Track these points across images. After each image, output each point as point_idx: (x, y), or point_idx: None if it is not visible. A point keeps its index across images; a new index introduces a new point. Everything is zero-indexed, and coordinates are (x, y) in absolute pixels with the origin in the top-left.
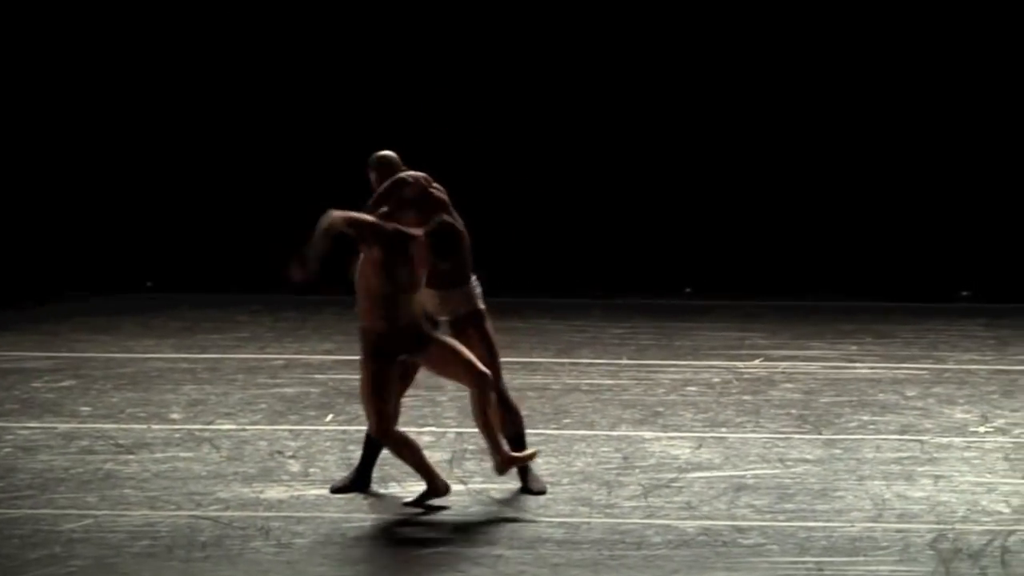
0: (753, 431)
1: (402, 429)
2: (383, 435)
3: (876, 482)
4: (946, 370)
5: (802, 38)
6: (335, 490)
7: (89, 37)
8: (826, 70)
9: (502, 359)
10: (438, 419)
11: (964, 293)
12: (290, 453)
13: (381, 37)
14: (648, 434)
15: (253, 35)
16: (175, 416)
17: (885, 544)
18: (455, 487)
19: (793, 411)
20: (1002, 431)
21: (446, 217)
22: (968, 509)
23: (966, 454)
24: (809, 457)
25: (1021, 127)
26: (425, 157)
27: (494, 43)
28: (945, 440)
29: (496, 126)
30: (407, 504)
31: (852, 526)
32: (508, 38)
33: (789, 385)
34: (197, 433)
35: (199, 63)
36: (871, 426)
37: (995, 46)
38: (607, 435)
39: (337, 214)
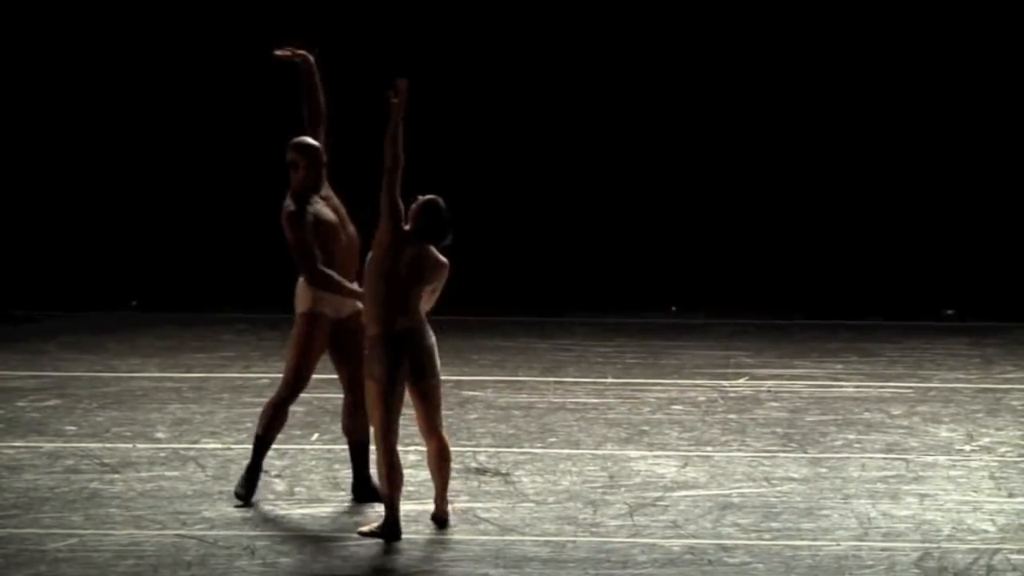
0: (739, 450)
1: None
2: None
3: (861, 501)
4: (931, 389)
5: (785, 61)
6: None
7: (72, 59)
8: (811, 90)
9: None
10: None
11: (949, 312)
12: (276, 472)
13: (364, 54)
14: (634, 453)
15: (236, 57)
16: (160, 435)
17: (871, 563)
18: None
19: (778, 430)
20: (987, 450)
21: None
22: (953, 528)
23: (951, 473)
24: (795, 476)
25: (1004, 148)
26: (413, 174)
27: (482, 61)
28: (930, 459)
29: (483, 144)
30: (361, 532)
31: (838, 545)
32: (497, 56)
33: (774, 404)
34: (183, 452)
35: (183, 84)
36: (856, 445)
37: (977, 71)
38: (593, 454)
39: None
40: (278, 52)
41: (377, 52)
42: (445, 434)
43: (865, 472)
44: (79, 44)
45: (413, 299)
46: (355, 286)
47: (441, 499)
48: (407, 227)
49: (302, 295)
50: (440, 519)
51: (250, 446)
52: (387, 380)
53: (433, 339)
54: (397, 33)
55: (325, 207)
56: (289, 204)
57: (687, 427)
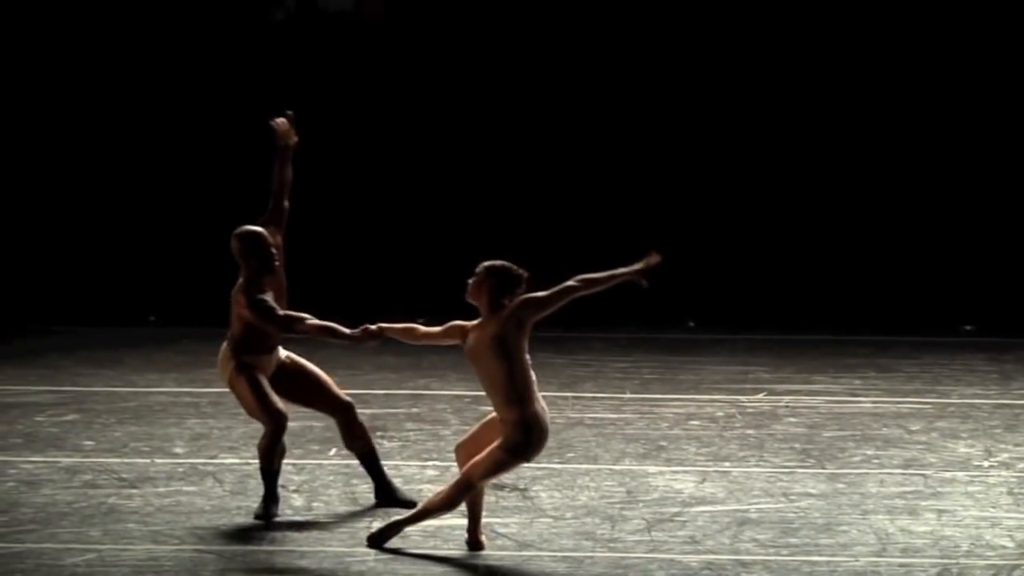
0: (757, 465)
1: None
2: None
3: (880, 516)
4: (949, 404)
5: (805, 77)
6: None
7: (96, 77)
8: (830, 106)
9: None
10: (441, 453)
11: (967, 327)
12: (293, 487)
13: (363, 72)
14: (652, 468)
15: (256, 78)
16: (178, 450)
17: None
18: (458, 521)
19: (797, 445)
20: (1006, 465)
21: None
22: (972, 544)
23: (970, 488)
24: (813, 491)
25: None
26: (423, 195)
27: (491, 73)
28: (949, 474)
29: (496, 155)
30: (371, 544)
31: (856, 560)
32: (507, 69)
33: (792, 419)
34: (200, 467)
35: (203, 105)
36: (875, 460)
37: (998, 90)
38: (611, 469)
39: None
40: (280, 122)
41: (364, 83)
42: None
43: (883, 488)
44: (104, 62)
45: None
46: (346, 330)
47: (478, 523)
48: (505, 302)
49: (223, 362)
50: (476, 544)
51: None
52: (519, 460)
53: None
54: (402, 42)
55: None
56: (242, 290)
57: (705, 442)
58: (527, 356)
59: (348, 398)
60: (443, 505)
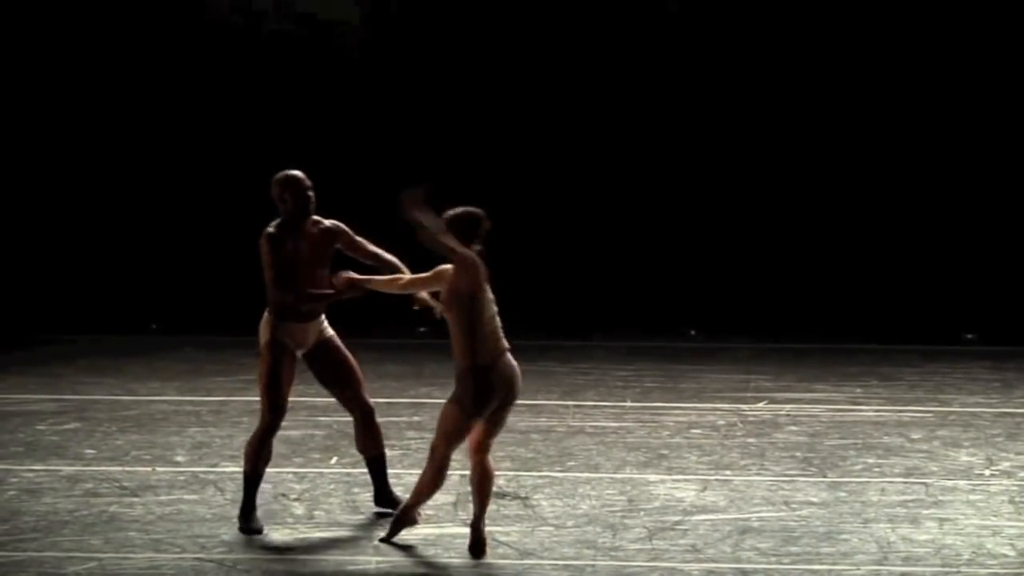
0: (758, 474)
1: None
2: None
3: (881, 525)
4: (951, 413)
5: (805, 81)
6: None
7: (102, 85)
8: (831, 113)
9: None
10: None
11: (969, 336)
12: (294, 496)
13: (376, 85)
14: (653, 476)
15: (263, 83)
16: (180, 459)
17: None
18: (459, 530)
19: (798, 454)
20: (1007, 474)
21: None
22: (973, 552)
23: (971, 497)
24: (814, 500)
25: None
26: (437, 194)
27: (501, 87)
28: (950, 483)
29: (503, 165)
30: (383, 540)
31: (857, 569)
32: (516, 83)
33: (794, 428)
34: (202, 476)
35: (207, 110)
36: (876, 469)
37: (1000, 92)
38: (612, 477)
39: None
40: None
41: (379, 95)
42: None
43: (885, 496)
44: (106, 69)
45: (496, 321)
46: (331, 290)
47: (479, 519)
48: (475, 247)
49: (263, 328)
50: (479, 544)
51: (268, 469)
52: (474, 412)
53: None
54: (398, 72)
55: (303, 240)
56: (271, 231)
57: (706, 451)
58: (485, 313)
59: (372, 403)
60: (428, 482)
